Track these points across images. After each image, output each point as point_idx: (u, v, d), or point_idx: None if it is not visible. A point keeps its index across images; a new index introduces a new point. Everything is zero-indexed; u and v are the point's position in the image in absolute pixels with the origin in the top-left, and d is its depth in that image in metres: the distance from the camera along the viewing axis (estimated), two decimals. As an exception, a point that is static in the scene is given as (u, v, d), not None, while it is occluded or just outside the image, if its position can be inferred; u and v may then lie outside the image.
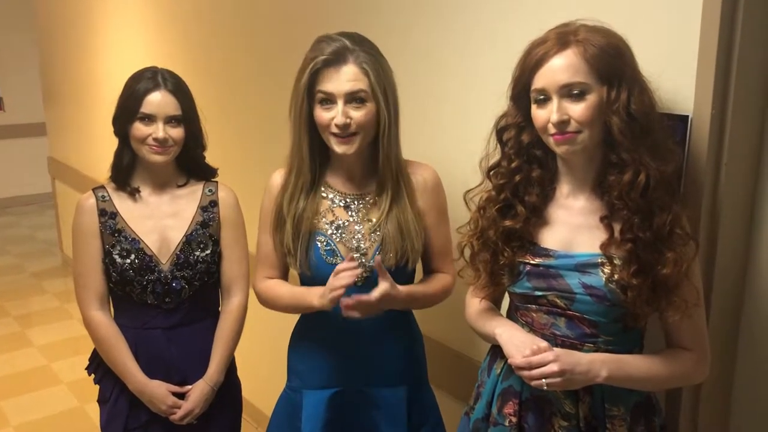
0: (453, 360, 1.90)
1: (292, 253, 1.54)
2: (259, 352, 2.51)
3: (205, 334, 1.89)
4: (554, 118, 1.21)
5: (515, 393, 1.34)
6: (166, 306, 1.82)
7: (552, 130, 1.23)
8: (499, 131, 1.36)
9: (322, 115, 1.47)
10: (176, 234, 1.84)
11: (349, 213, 1.56)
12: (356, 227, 1.55)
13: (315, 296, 1.50)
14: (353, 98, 1.46)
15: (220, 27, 2.80)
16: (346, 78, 1.45)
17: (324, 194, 1.56)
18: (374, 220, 1.55)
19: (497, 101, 1.37)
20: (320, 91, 1.46)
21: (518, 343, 1.26)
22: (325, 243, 1.54)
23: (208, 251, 1.85)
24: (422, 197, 1.59)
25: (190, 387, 1.84)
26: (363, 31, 1.55)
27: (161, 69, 1.81)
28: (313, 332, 1.61)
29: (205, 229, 1.86)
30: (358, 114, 1.47)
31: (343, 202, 1.57)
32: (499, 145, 1.37)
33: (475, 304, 1.48)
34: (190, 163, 1.88)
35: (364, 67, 1.46)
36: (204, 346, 1.87)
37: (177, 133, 1.78)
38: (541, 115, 1.24)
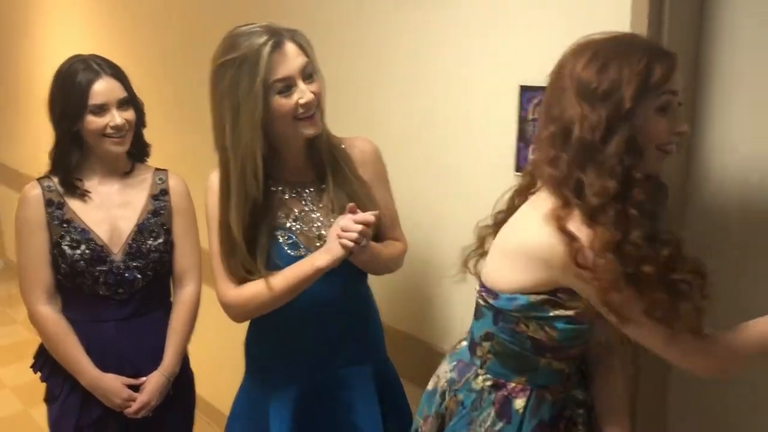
0: (407, 342, 1.93)
1: (254, 256, 1.47)
2: (209, 345, 2.47)
3: (158, 325, 1.85)
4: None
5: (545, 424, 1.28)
6: (118, 297, 1.78)
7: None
8: None
9: (285, 103, 1.41)
10: (127, 224, 1.80)
11: (303, 202, 1.54)
12: (313, 215, 1.54)
13: (318, 258, 1.41)
14: (306, 74, 1.44)
15: (156, 25, 2.79)
16: (293, 55, 1.42)
17: (273, 189, 1.52)
18: (327, 202, 1.54)
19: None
20: (278, 81, 1.40)
21: None
22: (286, 238, 1.51)
23: (161, 240, 1.82)
24: (363, 169, 1.58)
25: (144, 379, 1.80)
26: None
27: (88, 56, 1.76)
28: (272, 320, 1.55)
29: (157, 218, 1.83)
30: (314, 88, 1.44)
31: (294, 192, 1.54)
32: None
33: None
34: (134, 143, 1.84)
35: (298, 41, 1.44)
36: (158, 338, 1.84)
37: (129, 115, 1.76)
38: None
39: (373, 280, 1.67)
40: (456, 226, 1.78)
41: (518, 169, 1.59)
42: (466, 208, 1.74)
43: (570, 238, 1.08)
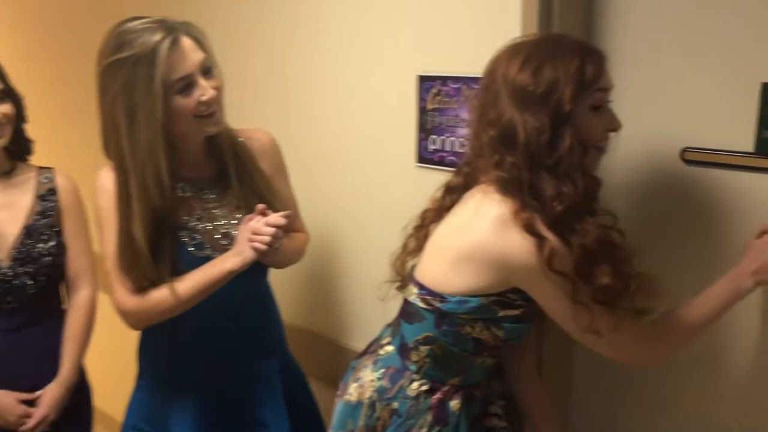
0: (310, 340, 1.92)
1: (158, 264, 1.39)
2: (103, 352, 2.37)
3: (53, 333, 1.76)
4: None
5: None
6: (7, 306, 1.68)
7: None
8: None
9: (185, 103, 1.34)
10: (11, 227, 1.69)
11: (205, 200, 1.48)
12: (217, 213, 1.48)
13: (228, 261, 1.36)
14: (205, 70, 1.38)
15: (37, 18, 2.65)
16: (191, 51, 1.35)
17: (173, 186, 1.44)
18: (231, 198, 1.49)
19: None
20: (178, 80, 1.33)
21: None
22: (190, 238, 1.45)
23: (52, 243, 1.72)
24: (263, 161, 1.54)
25: (40, 392, 1.70)
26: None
27: None
28: (169, 323, 1.46)
29: (46, 220, 1.73)
30: (215, 83, 1.39)
31: (196, 189, 1.48)
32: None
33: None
34: (14, 140, 1.72)
35: (194, 35, 1.38)
36: (53, 347, 1.74)
37: (8, 108, 1.66)
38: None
39: (273, 277, 1.63)
40: (357, 220, 1.77)
41: (420, 160, 1.58)
42: (368, 202, 1.73)
43: (541, 240, 1.08)
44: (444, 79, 1.50)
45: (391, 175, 1.66)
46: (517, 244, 1.10)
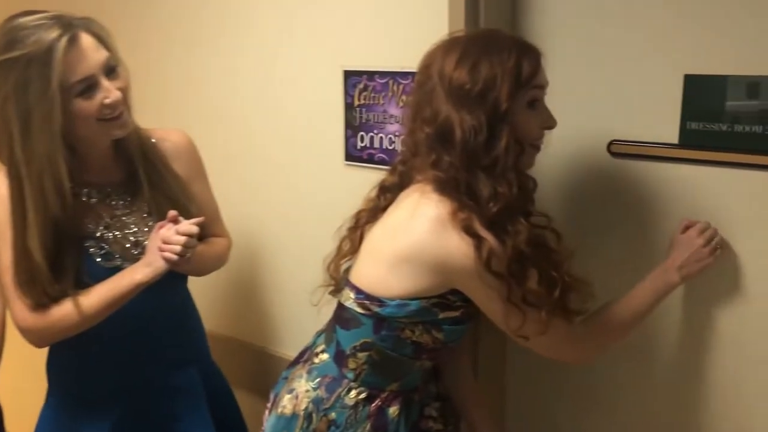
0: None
1: (59, 279, 1.29)
2: (14, 372, 2.20)
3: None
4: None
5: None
6: None
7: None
8: None
9: (87, 106, 1.24)
10: None
11: (113, 206, 1.39)
12: (127, 219, 1.39)
13: (138, 272, 1.28)
14: (108, 69, 1.28)
15: None
16: (92, 50, 1.25)
17: (77, 193, 1.34)
18: (141, 204, 1.40)
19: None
20: (78, 82, 1.23)
21: None
22: (98, 248, 1.35)
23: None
24: (178, 164, 1.46)
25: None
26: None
27: None
28: (79, 336, 1.36)
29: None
30: (120, 84, 1.29)
31: (103, 196, 1.38)
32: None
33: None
34: None
35: (95, 32, 1.28)
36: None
37: None
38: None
39: (194, 284, 1.55)
40: (285, 222, 1.72)
41: (348, 158, 1.54)
42: (296, 202, 1.68)
43: (479, 241, 1.06)
44: (371, 74, 1.46)
45: (319, 174, 1.61)
46: (456, 245, 1.07)
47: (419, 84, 1.14)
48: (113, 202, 1.39)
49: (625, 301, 1.17)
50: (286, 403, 1.27)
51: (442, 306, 1.14)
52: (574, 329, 1.15)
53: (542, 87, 1.13)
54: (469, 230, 1.06)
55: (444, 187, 1.10)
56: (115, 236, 1.37)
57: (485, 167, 1.07)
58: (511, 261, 1.06)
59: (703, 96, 1.20)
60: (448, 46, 1.12)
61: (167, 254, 1.26)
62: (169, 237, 1.26)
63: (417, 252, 1.10)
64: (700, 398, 1.29)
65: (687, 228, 1.19)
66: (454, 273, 1.09)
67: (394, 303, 1.13)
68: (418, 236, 1.10)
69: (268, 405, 1.34)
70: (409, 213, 1.13)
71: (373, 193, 1.26)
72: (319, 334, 1.32)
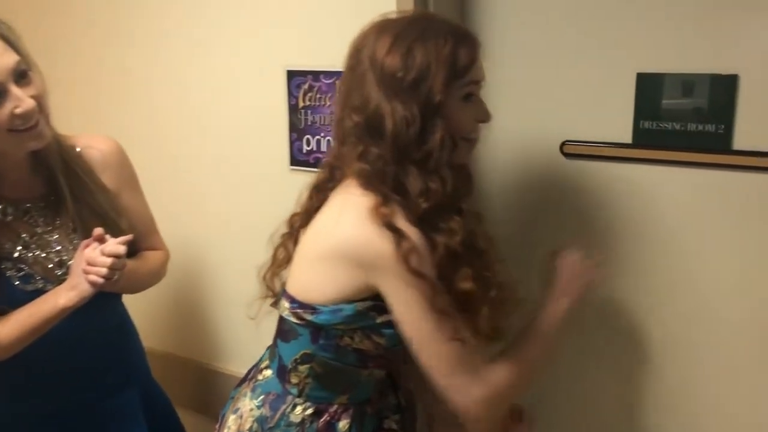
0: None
1: None
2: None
3: None
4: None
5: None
6: None
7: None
8: None
9: None
10: None
11: (33, 224, 1.28)
12: (49, 237, 1.28)
13: (61, 296, 1.19)
14: (19, 75, 1.17)
15: None
16: None
17: None
18: (66, 220, 1.29)
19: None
20: None
21: None
22: (15, 270, 1.25)
23: None
24: (107, 173, 1.36)
25: None
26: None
27: None
28: (5, 362, 1.26)
29: None
30: (33, 91, 1.18)
31: (20, 213, 1.28)
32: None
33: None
34: None
35: (2, 34, 1.17)
36: None
37: None
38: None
39: (131, 299, 1.46)
40: (227, 232, 1.64)
41: (294, 162, 1.47)
42: (238, 210, 1.61)
43: (399, 236, 0.99)
44: (315, 74, 1.40)
45: (263, 180, 1.54)
46: (376, 241, 1.00)
47: (350, 68, 1.08)
48: (32, 219, 1.28)
49: (527, 342, 1.10)
50: (231, 424, 1.19)
51: (379, 309, 1.06)
52: (476, 357, 1.05)
53: (478, 82, 1.08)
54: (389, 225, 1.00)
55: (369, 181, 1.03)
56: (35, 256, 1.26)
57: (417, 161, 1.02)
58: (441, 262, 1.01)
59: (656, 94, 1.18)
60: (380, 28, 1.06)
61: (92, 277, 1.16)
62: (94, 258, 1.17)
63: (337, 248, 1.04)
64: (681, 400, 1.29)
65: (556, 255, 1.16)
66: (374, 269, 1.02)
67: (327, 309, 1.06)
68: (340, 233, 1.04)
69: (217, 427, 1.26)
70: (336, 211, 1.07)
71: (306, 194, 1.19)
72: (266, 350, 1.25)
